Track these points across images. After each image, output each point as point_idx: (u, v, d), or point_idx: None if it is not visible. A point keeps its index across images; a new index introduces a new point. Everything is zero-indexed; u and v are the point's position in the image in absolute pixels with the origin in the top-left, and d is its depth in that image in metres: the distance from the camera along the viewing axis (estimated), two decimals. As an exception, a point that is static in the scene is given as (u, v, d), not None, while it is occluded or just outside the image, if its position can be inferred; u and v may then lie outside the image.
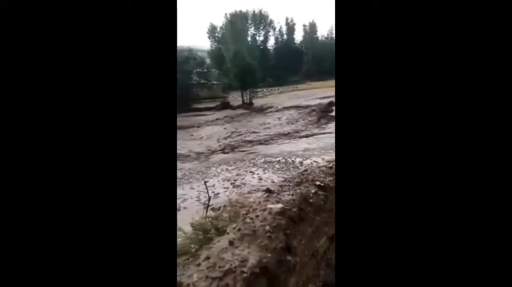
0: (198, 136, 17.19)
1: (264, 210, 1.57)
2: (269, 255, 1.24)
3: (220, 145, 14.74)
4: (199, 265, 1.23)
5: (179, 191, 9.82)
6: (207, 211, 6.20)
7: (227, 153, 13.99)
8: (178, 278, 2.75)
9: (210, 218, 5.08)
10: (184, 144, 15.71)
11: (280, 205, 1.62)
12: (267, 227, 1.42)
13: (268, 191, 1.82)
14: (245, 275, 1.11)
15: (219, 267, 1.15)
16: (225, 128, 18.11)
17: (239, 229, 1.41)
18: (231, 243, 1.31)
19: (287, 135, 16.31)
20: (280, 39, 37.92)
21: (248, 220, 1.47)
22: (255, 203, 1.69)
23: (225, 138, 16.28)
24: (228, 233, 1.46)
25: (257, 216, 1.52)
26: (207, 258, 1.24)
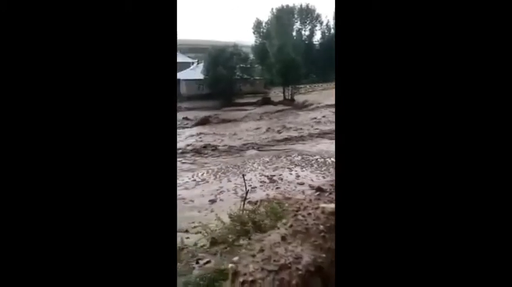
0: (218, 132, 17.34)
1: (317, 209, 1.53)
2: (323, 255, 1.21)
3: (245, 143, 14.74)
4: (254, 256, 1.25)
5: (217, 184, 10.18)
6: (244, 204, 6.32)
7: (261, 150, 14.04)
8: (220, 265, 2.80)
9: (247, 211, 5.18)
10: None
11: (333, 205, 1.56)
12: (321, 227, 1.38)
13: (319, 189, 1.77)
14: (300, 272, 1.10)
15: (274, 261, 1.16)
16: (257, 128, 18.07)
17: (291, 225, 1.40)
18: (283, 238, 1.30)
19: (325, 134, 15.74)
20: (327, 34, 36.52)
21: (300, 217, 1.44)
22: (305, 200, 1.66)
23: (256, 135, 16.33)
24: (278, 228, 1.46)
25: (309, 214, 1.48)
26: (261, 250, 1.25)
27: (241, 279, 1.08)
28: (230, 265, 1.19)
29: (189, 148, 14.50)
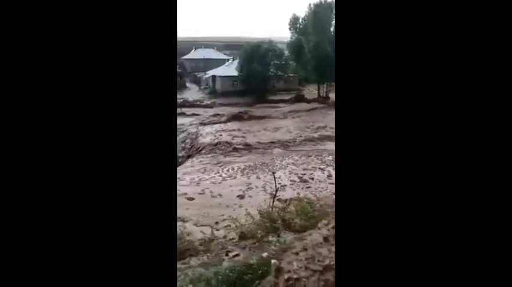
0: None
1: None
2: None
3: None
4: (297, 254, 1.22)
5: (245, 180, 10.25)
6: (273, 201, 6.32)
7: (290, 149, 13.82)
8: (249, 260, 2.81)
9: (277, 209, 5.14)
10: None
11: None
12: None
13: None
14: (345, 276, 1.06)
15: (318, 261, 1.12)
16: (286, 126, 17.77)
17: (333, 227, 1.34)
18: (325, 239, 1.26)
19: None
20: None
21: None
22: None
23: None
24: (319, 229, 1.41)
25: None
26: (304, 249, 1.22)
27: (286, 276, 1.06)
28: (273, 261, 1.19)
29: (215, 143, 14.74)
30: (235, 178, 10.48)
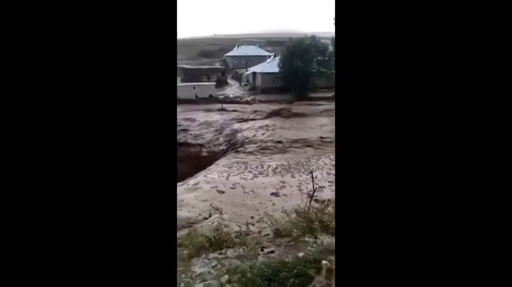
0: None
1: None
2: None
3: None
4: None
5: (278, 178, 10.13)
6: (310, 201, 6.17)
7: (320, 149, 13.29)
8: (284, 258, 2.78)
9: (315, 209, 5.01)
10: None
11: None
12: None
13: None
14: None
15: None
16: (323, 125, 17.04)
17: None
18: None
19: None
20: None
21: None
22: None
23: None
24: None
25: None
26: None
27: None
28: (324, 262, 1.16)
29: (249, 140, 14.80)
30: (267, 175, 10.48)
